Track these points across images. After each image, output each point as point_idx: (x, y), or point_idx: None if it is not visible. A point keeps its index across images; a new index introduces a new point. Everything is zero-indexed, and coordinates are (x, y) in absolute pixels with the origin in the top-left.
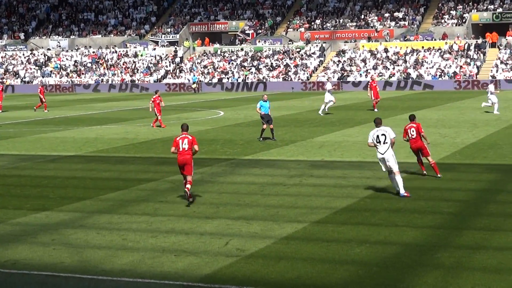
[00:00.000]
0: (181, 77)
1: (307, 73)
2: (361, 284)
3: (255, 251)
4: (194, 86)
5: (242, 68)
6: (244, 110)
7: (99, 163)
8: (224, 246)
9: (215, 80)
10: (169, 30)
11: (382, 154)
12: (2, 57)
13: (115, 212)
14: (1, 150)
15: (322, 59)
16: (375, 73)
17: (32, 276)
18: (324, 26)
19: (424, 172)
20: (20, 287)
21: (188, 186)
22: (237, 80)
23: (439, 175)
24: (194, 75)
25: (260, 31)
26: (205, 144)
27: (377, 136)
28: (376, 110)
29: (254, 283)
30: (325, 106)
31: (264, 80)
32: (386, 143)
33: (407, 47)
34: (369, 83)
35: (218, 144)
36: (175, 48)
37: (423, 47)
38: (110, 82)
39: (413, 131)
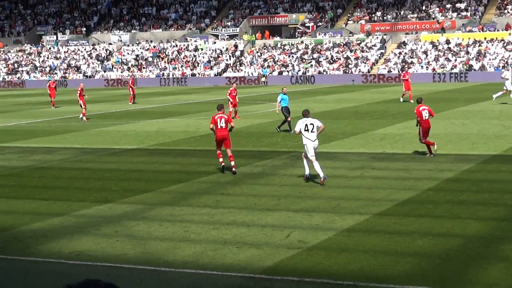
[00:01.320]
0: (241, 70)
1: (368, 66)
2: (424, 276)
3: (317, 243)
4: (263, 79)
5: (302, 61)
6: (304, 103)
7: (161, 156)
8: (285, 238)
9: (275, 74)
10: (229, 23)
11: (313, 141)
12: (64, 52)
13: (177, 204)
14: (64, 144)
15: (382, 51)
16: (436, 65)
17: (95, 267)
18: (385, 18)
19: (433, 154)
20: (84, 278)
21: (233, 163)
22: (297, 73)
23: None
24: (264, 68)
25: (320, 24)
26: (266, 137)
27: (306, 125)
28: (412, 101)
29: (315, 275)
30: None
31: (324, 73)
32: (314, 132)
33: (469, 38)
34: (402, 75)
35: (279, 137)
36: (235, 41)
37: (485, 38)
38: (171, 76)
39: (426, 112)
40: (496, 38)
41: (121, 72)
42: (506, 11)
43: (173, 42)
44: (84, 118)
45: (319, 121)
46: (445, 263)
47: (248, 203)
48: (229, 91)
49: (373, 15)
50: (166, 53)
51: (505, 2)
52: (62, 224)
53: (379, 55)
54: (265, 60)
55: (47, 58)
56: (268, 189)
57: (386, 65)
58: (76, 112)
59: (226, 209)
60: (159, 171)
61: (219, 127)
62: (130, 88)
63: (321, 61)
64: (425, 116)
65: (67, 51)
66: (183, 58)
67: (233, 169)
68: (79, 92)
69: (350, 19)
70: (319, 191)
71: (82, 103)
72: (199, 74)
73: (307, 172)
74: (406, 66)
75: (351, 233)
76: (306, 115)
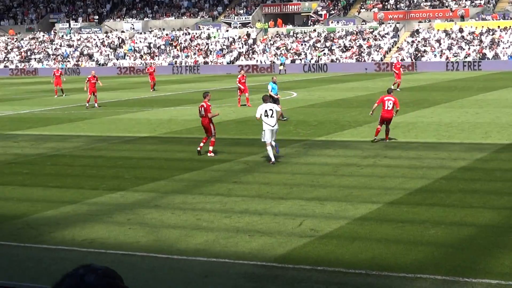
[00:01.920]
0: (254, 58)
1: (381, 54)
2: (436, 265)
3: (329, 232)
4: (281, 67)
5: (315, 49)
6: (317, 91)
7: (173, 144)
8: (298, 226)
9: (288, 62)
10: (241, 11)
11: (272, 126)
12: (77, 40)
13: (189, 193)
14: (77, 131)
15: (395, 39)
16: (450, 53)
17: (108, 255)
18: (398, 6)
19: (375, 138)
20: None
21: (211, 148)
22: (309, 61)
23: (387, 140)
24: (282, 56)
25: (333, 12)
26: (279, 125)
27: (266, 111)
28: (398, 89)
29: (328, 264)
30: None
31: (337, 61)
32: (273, 117)
33: (482, 26)
34: (394, 65)
35: (291, 125)
36: (248, 30)
37: (499, 26)
38: (183, 64)
39: (390, 103)
40: (510, 26)
41: (134, 60)
42: None
43: (186, 30)
44: (87, 104)
45: (277, 106)
46: (457, 252)
47: (260, 191)
48: (238, 79)
49: (386, 3)
50: (179, 41)
51: None
52: (74, 212)
53: (392, 44)
54: (277, 48)
55: (60, 46)
56: (280, 178)
57: (399, 54)
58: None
59: (239, 197)
60: (172, 159)
61: (200, 115)
62: (150, 76)
63: (333, 50)
64: (388, 107)
65: (80, 39)
66: (196, 46)
67: (209, 153)
68: (88, 79)
69: (363, 7)
70: (331, 179)
71: (94, 90)
72: (211, 62)
73: (273, 159)
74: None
75: (364, 221)
76: (265, 100)
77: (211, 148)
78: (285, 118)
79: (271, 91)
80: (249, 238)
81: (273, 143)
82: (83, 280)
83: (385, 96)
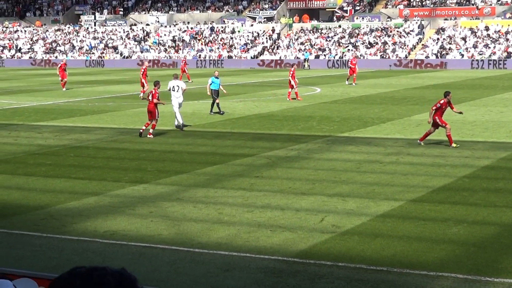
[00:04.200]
0: (278, 53)
1: (405, 51)
2: (458, 263)
3: (351, 228)
4: (306, 64)
5: (340, 45)
6: (340, 87)
7: (196, 138)
8: (319, 222)
9: (312, 57)
10: (266, 6)
11: (177, 97)
12: (102, 32)
13: (211, 186)
14: (100, 123)
15: (420, 36)
16: (475, 51)
17: (130, 247)
18: (424, 3)
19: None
20: (118, 257)
21: (151, 130)
22: (334, 57)
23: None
24: (306, 52)
25: (358, 8)
26: (301, 120)
27: (173, 86)
28: (354, 84)
29: (349, 260)
30: None
31: (361, 57)
32: (178, 91)
33: (508, 25)
34: (350, 61)
35: (315, 121)
36: (273, 25)
37: None
38: (207, 58)
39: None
40: None
41: (158, 53)
42: None
43: (210, 24)
44: (142, 95)
45: (183, 84)
46: (480, 251)
47: (282, 186)
48: (291, 72)
49: (412, 0)
50: (203, 34)
51: None
52: (97, 204)
53: (417, 41)
54: (302, 43)
55: (85, 37)
56: (303, 173)
57: (424, 51)
58: (112, 92)
59: (261, 192)
60: (194, 153)
61: (147, 100)
62: (184, 69)
63: (358, 46)
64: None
65: (105, 31)
66: (220, 40)
67: (149, 135)
68: (142, 71)
69: (388, 3)
70: (353, 176)
71: (145, 82)
72: (235, 56)
73: (180, 121)
74: (347, 51)
75: (386, 219)
76: (176, 78)
77: (151, 131)
78: (222, 112)
79: (209, 86)
80: (270, 233)
81: (180, 119)
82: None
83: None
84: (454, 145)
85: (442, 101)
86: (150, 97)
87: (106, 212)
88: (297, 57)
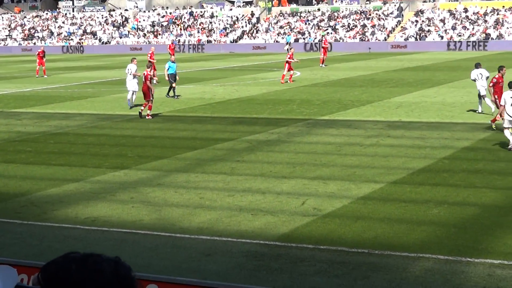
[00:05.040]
0: (257, 37)
1: (385, 34)
2: (439, 244)
3: (332, 211)
4: (287, 47)
5: (319, 28)
6: (320, 70)
7: (177, 123)
8: (300, 205)
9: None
10: None
11: (129, 80)
12: (80, 18)
13: (192, 171)
14: (80, 110)
15: (399, 19)
16: (454, 33)
17: (111, 233)
18: None
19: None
20: (100, 244)
21: (149, 111)
22: (313, 40)
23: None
24: (288, 35)
25: None
26: (281, 104)
27: (129, 69)
28: (322, 65)
29: (330, 243)
30: None
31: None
32: (130, 75)
33: (487, 6)
34: (323, 42)
35: (295, 104)
36: (252, 9)
37: (503, 6)
38: (186, 43)
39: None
40: None
41: (137, 39)
42: None
43: (189, 8)
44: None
45: (134, 67)
46: (460, 232)
47: (263, 170)
48: (289, 55)
49: None
50: (182, 19)
51: None
52: (77, 190)
53: (396, 23)
54: (281, 27)
55: (63, 24)
56: (283, 157)
57: (403, 33)
58: (92, 78)
59: (241, 176)
60: (175, 138)
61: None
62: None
63: (337, 29)
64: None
65: (83, 17)
66: (199, 25)
67: (147, 117)
68: (149, 55)
69: None
70: (334, 158)
71: (153, 67)
72: (215, 41)
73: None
74: (326, 34)
75: (366, 201)
76: (133, 60)
77: (149, 112)
78: (176, 96)
79: (167, 70)
80: (252, 217)
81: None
82: (118, 268)
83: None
84: (493, 126)
85: (497, 76)
86: (143, 79)
87: (87, 198)
88: (277, 41)
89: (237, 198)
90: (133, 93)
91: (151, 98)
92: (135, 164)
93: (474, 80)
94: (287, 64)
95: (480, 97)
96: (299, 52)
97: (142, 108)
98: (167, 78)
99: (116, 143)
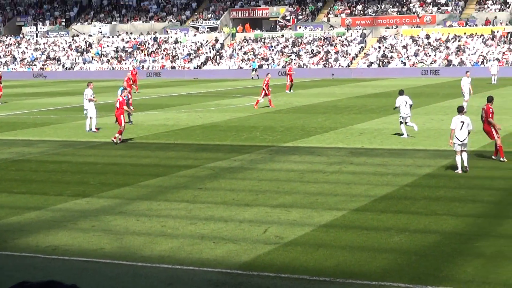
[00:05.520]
0: (221, 63)
1: (348, 60)
2: (400, 272)
3: (294, 239)
4: (253, 73)
5: (283, 54)
6: (284, 97)
7: (139, 150)
8: (263, 233)
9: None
10: (209, 16)
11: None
12: (44, 43)
13: (154, 199)
14: (43, 136)
15: (363, 45)
16: (416, 60)
17: (72, 262)
18: (366, 12)
19: (493, 157)
20: (60, 273)
21: (117, 135)
22: (277, 66)
23: (502, 159)
24: (254, 61)
25: (301, 17)
26: (245, 131)
27: (85, 94)
28: (289, 91)
29: (292, 271)
30: None
31: (304, 67)
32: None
33: (449, 33)
34: (288, 69)
35: (258, 131)
36: (216, 35)
37: (465, 33)
38: (150, 69)
39: (483, 113)
40: (476, 33)
41: (101, 64)
42: (486, 6)
43: (153, 34)
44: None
45: (89, 92)
46: (421, 259)
47: (226, 198)
48: (266, 82)
49: (354, 9)
50: (146, 45)
51: None
52: (39, 218)
53: (359, 49)
54: (245, 53)
55: (27, 49)
56: (246, 184)
57: (366, 59)
58: (54, 104)
59: (204, 204)
60: (138, 165)
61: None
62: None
63: (301, 55)
64: (482, 117)
65: (47, 42)
66: (163, 51)
67: (113, 138)
68: (127, 78)
69: (330, 12)
70: (297, 186)
71: (136, 88)
72: (179, 66)
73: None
74: (290, 60)
75: (328, 228)
76: (89, 84)
77: (117, 135)
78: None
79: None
80: (214, 245)
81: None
82: None
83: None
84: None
85: (485, 107)
86: (118, 104)
87: (48, 226)
88: (241, 67)
89: (199, 226)
90: (90, 118)
91: (123, 124)
92: (97, 192)
93: (398, 107)
94: (263, 90)
95: (402, 122)
96: (262, 78)
97: (116, 135)
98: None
99: (78, 170)
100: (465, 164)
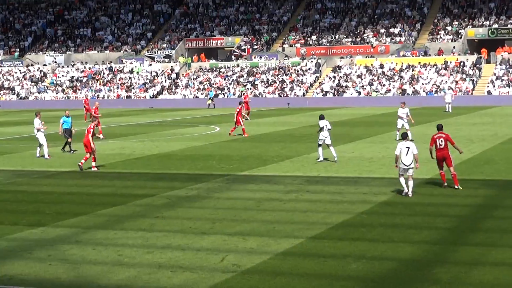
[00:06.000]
0: (177, 93)
1: (303, 89)
2: None
3: (252, 267)
4: (209, 102)
5: (238, 84)
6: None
7: (96, 179)
8: (220, 262)
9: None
10: (165, 45)
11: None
12: None
13: (111, 228)
14: None
15: (317, 75)
16: (370, 89)
17: None
18: (320, 42)
19: (445, 184)
20: None
21: (93, 163)
22: (233, 96)
23: (457, 187)
24: (211, 91)
25: (256, 47)
26: (201, 160)
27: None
28: (248, 119)
29: None
30: None
31: (260, 96)
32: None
33: (402, 63)
34: (243, 97)
35: (214, 160)
36: (171, 64)
37: (419, 63)
38: (105, 98)
39: (441, 141)
40: (429, 63)
41: (56, 94)
42: (438, 36)
43: (108, 64)
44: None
45: (37, 123)
46: (378, 286)
47: (183, 226)
48: (238, 109)
49: (309, 38)
50: (101, 75)
51: (437, 28)
52: None
53: (314, 79)
54: (201, 83)
55: None
56: (203, 213)
57: (321, 89)
58: (9, 134)
59: (161, 233)
60: (94, 194)
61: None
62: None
63: (257, 84)
64: (440, 145)
65: (1, 72)
66: (119, 80)
67: (93, 168)
68: (94, 110)
69: (285, 42)
70: (254, 214)
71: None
72: (134, 96)
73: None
74: (246, 89)
75: (286, 256)
76: (37, 115)
77: (93, 163)
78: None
79: (62, 125)
80: (171, 274)
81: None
82: None
83: (436, 134)
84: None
85: (443, 135)
86: (86, 131)
87: (3, 256)
88: (196, 96)
89: (157, 255)
90: (40, 145)
91: (93, 150)
92: (53, 221)
93: (321, 130)
94: (238, 118)
95: (320, 145)
96: (219, 108)
97: (83, 161)
98: (60, 133)
99: (34, 199)
100: (410, 189)
